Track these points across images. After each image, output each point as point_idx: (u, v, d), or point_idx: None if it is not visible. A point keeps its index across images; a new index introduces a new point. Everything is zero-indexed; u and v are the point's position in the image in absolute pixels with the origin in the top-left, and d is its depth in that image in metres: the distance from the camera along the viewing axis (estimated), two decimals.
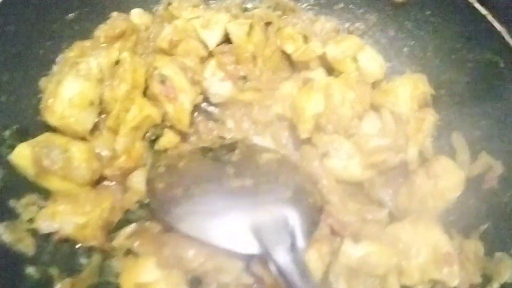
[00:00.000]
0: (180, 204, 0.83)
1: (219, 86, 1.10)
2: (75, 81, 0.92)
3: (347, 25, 1.23)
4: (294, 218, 0.81)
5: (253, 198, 0.83)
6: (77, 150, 0.88)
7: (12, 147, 0.88)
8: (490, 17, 1.02)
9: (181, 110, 0.98)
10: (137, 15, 1.12)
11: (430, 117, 1.06)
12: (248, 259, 0.85)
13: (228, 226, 0.80)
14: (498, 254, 0.88)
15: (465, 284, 0.87)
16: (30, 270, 0.82)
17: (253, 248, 0.79)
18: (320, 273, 0.86)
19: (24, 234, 0.83)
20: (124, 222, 0.93)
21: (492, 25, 1.01)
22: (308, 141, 1.04)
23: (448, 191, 0.98)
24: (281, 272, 0.75)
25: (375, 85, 1.12)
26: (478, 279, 0.88)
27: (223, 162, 0.90)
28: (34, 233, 0.85)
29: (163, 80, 0.97)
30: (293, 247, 0.78)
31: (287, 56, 1.15)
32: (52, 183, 0.88)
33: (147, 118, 0.95)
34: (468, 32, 1.06)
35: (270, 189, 0.86)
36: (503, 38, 1.00)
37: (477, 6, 1.03)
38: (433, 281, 0.90)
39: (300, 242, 0.79)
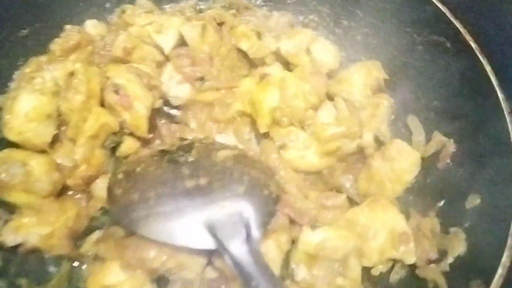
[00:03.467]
0: (137, 209, 0.85)
1: (178, 89, 1.12)
2: (30, 96, 0.94)
3: (301, 18, 1.26)
4: (248, 211, 0.84)
5: (207, 196, 0.86)
6: (36, 163, 0.90)
7: None
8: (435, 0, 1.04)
9: (137, 117, 1.00)
10: (92, 26, 1.14)
11: (385, 102, 1.08)
12: (211, 254, 0.87)
13: (183, 225, 0.83)
14: (453, 229, 0.91)
15: (422, 260, 0.90)
16: None
17: (209, 243, 0.81)
18: (280, 262, 0.88)
19: None
20: (90, 228, 0.94)
21: (437, 7, 1.04)
22: (267, 135, 1.07)
23: (404, 172, 1.01)
24: (237, 264, 0.78)
25: (331, 75, 1.15)
26: (435, 255, 0.90)
27: (180, 164, 0.92)
28: (0, 246, 0.87)
29: (116, 90, 0.99)
30: (249, 238, 0.81)
31: (243, 53, 1.17)
32: (15, 197, 0.90)
33: (105, 126, 0.97)
34: (416, 16, 1.08)
35: (224, 185, 0.88)
36: (448, 19, 1.02)
37: None
38: (392, 260, 0.93)
39: (255, 233, 0.82)
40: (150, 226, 0.83)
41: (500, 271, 0.74)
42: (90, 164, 0.95)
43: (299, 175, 1.03)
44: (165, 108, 1.13)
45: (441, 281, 0.85)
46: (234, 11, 1.24)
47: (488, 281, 0.75)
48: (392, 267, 0.93)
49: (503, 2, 1.07)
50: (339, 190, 1.03)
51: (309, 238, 0.89)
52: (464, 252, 0.86)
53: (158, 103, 1.09)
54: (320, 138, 1.03)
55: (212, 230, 0.81)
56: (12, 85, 1.02)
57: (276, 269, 0.85)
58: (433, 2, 1.04)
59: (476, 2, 1.15)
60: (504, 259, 0.75)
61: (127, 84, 0.98)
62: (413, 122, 1.08)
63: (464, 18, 1.02)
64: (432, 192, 1.00)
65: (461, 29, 1.00)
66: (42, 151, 0.95)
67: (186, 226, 0.82)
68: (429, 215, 0.97)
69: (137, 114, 0.98)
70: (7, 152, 0.92)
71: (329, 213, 0.95)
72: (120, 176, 0.93)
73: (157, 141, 1.08)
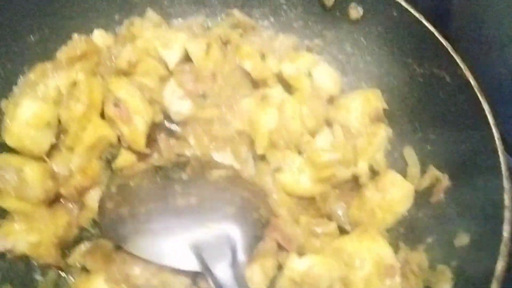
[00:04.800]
0: (125, 224, 0.86)
1: (179, 104, 1.13)
2: (32, 103, 0.95)
3: (306, 41, 1.26)
4: (236, 234, 0.84)
5: (196, 216, 0.86)
6: (31, 170, 0.91)
7: None
8: (436, 33, 1.05)
9: (135, 131, 1.01)
10: (99, 36, 1.15)
11: (382, 132, 1.09)
12: (194, 275, 0.88)
13: (169, 244, 0.83)
14: (440, 267, 0.91)
15: None
16: None
17: (194, 265, 0.81)
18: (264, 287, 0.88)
19: None
20: (80, 239, 0.95)
21: (439, 41, 1.05)
22: (264, 157, 1.08)
23: (396, 204, 1.01)
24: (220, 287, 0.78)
25: (331, 100, 1.15)
26: None
27: (173, 181, 0.93)
28: None
29: (116, 103, 1.00)
30: (234, 262, 0.81)
31: (246, 73, 1.18)
32: (7, 203, 0.91)
33: (103, 138, 0.98)
34: (418, 48, 1.09)
35: (214, 206, 0.88)
36: (449, 54, 1.03)
37: (425, 22, 1.07)
38: None
39: (241, 257, 0.82)
40: (137, 243, 0.83)
41: None
42: (86, 174, 0.96)
43: (292, 199, 1.03)
44: (166, 123, 1.14)
45: None
46: (240, 30, 1.25)
47: None
48: None
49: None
50: (330, 217, 1.03)
51: (296, 265, 0.89)
52: None
53: (159, 117, 1.10)
54: (315, 164, 1.03)
55: (198, 251, 0.82)
56: (16, 90, 1.03)
57: None
58: (435, 35, 1.05)
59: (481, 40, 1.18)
60: None
61: (128, 98, 1.00)
62: (410, 154, 1.09)
63: (465, 53, 1.03)
64: (423, 226, 1.00)
65: (461, 65, 1.01)
66: (39, 158, 0.96)
67: (172, 246, 0.83)
68: (418, 249, 0.96)
69: (135, 128, 1.00)
70: (3, 156, 0.93)
71: (317, 241, 0.95)
72: (113, 189, 0.93)
73: (155, 155, 1.09)
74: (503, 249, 0.79)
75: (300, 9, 1.25)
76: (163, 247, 0.83)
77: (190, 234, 0.84)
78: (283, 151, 1.05)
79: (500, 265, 0.78)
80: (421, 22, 1.07)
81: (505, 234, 0.81)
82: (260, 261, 0.88)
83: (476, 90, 0.98)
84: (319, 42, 1.26)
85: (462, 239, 0.90)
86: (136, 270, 0.84)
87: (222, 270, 0.80)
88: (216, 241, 0.83)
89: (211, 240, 0.83)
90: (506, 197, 0.85)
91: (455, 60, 1.02)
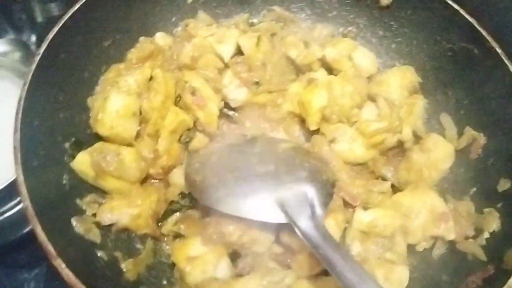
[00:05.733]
0: (218, 190, 0.99)
1: (236, 92, 1.27)
2: (118, 96, 1.09)
3: (341, 29, 1.41)
4: (311, 192, 0.98)
5: (275, 179, 1.00)
6: (127, 153, 1.05)
7: (72, 156, 1.04)
8: (462, 11, 1.19)
9: (210, 115, 1.16)
10: (161, 37, 1.29)
11: (420, 102, 1.23)
12: (278, 231, 1.02)
13: (258, 202, 0.97)
14: (487, 210, 1.04)
15: (460, 236, 1.04)
16: (101, 253, 0.98)
17: (280, 218, 0.95)
18: (338, 238, 1.02)
19: (91, 225, 1.00)
20: (170, 212, 1.09)
21: (465, 17, 1.18)
22: (317, 131, 1.21)
23: (440, 162, 1.15)
24: (305, 236, 0.91)
25: (370, 78, 1.29)
26: (471, 232, 1.04)
27: (248, 154, 1.07)
28: (98, 225, 1.01)
29: (193, 92, 1.15)
30: (313, 215, 0.94)
31: (291, 61, 1.33)
32: (108, 183, 1.05)
33: (182, 123, 1.13)
34: (446, 26, 1.23)
35: (289, 171, 1.02)
36: (475, 28, 1.17)
37: (451, 2, 1.21)
38: (433, 237, 1.06)
39: (319, 211, 0.95)
40: (231, 204, 0.97)
41: None
42: (170, 155, 1.10)
43: (348, 166, 1.17)
44: (225, 110, 1.28)
45: (480, 252, 0.99)
46: (282, 24, 1.40)
47: None
48: (434, 244, 1.07)
49: None
50: (383, 179, 1.17)
51: (362, 218, 1.04)
52: (498, 228, 1.00)
53: (221, 104, 1.24)
54: (365, 133, 1.17)
55: (283, 207, 0.95)
56: (98, 88, 1.18)
57: None
58: (460, 13, 1.19)
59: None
60: None
61: (201, 87, 1.14)
62: (446, 119, 1.22)
63: (489, 27, 1.17)
64: (466, 180, 1.14)
65: (487, 37, 1.15)
66: (128, 144, 1.10)
67: (261, 203, 0.96)
68: (464, 199, 1.10)
69: (209, 113, 1.14)
70: (101, 144, 1.07)
71: (377, 197, 1.09)
72: (197, 165, 1.07)
73: (220, 138, 1.23)
74: None
75: (333, 1, 1.39)
76: (254, 205, 0.96)
77: (274, 193, 0.97)
78: (336, 125, 1.19)
79: None
80: (446, 2, 1.21)
81: None
82: (332, 215, 1.02)
83: (502, 56, 1.12)
84: (353, 29, 1.40)
85: (504, 185, 1.04)
86: (230, 228, 0.98)
87: (304, 222, 0.93)
88: (296, 199, 0.97)
89: (292, 197, 0.97)
90: None
91: (481, 33, 1.15)
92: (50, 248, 0.81)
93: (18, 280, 1.24)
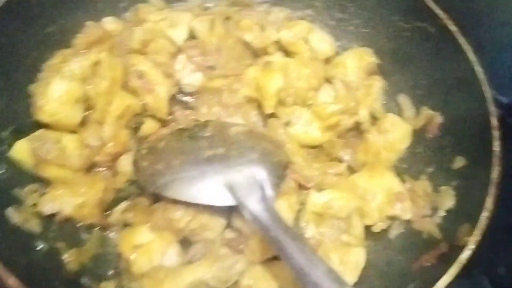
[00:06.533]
0: (163, 175, 0.96)
1: (191, 77, 1.22)
2: (61, 82, 1.04)
3: (298, 13, 1.38)
4: (261, 174, 0.95)
5: (225, 162, 0.97)
6: (69, 140, 1.00)
7: (10, 145, 0.99)
8: None
9: (158, 100, 1.11)
10: (109, 22, 1.24)
11: (377, 83, 1.21)
12: (230, 216, 0.98)
13: (206, 186, 0.94)
14: (443, 188, 1.03)
15: (417, 216, 1.02)
16: (40, 244, 0.93)
17: (229, 201, 0.92)
18: (291, 220, 0.99)
19: (30, 216, 0.95)
20: (117, 200, 1.04)
21: None
22: (273, 115, 1.18)
23: (397, 142, 1.13)
24: (255, 218, 0.88)
25: (328, 61, 1.27)
26: (428, 211, 1.02)
27: (198, 138, 1.04)
28: (39, 215, 0.96)
29: (140, 75, 1.10)
30: (263, 197, 0.91)
31: (247, 45, 1.29)
32: (50, 172, 1.00)
33: (129, 108, 1.08)
34: (401, 6, 1.21)
35: (239, 153, 0.99)
36: (429, 7, 1.15)
37: None
38: (390, 217, 1.04)
39: (269, 192, 0.92)
40: (177, 189, 0.94)
41: (485, 214, 0.86)
42: (116, 142, 1.06)
43: (303, 149, 1.14)
44: (179, 96, 1.23)
45: (435, 230, 0.97)
46: (237, 8, 1.36)
47: (474, 224, 0.86)
48: (391, 224, 1.04)
49: None
50: (339, 161, 1.14)
51: (316, 199, 1.01)
52: (453, 205, 0.98)
53: (174, 90, 1.20)
54: (321, 115, 1.14)
55: (232, 190, 0.92)
56: (41, 75, 1.12)
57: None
58: None
59: None
60: (488, 204, 0.87)
61: (148, 71, 1.10)
62: (403, 100, 1.21)
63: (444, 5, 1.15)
64: (423, 159, 1.12)
65: (441, 15, 1.13)
66: (72, 132, 1.05)
67: (209, 187, 0.93)
68: (421, 178, 1.08)
69: (158, 97, 1.10)
70: (42, 131, 1.02)
71: (333, 179, 1.06)
72: (144, 151, 1.03)
73: (173, 124, 1.19)
74: (495, 160, 0.92)
75: None
76: (202, 189, 0.93)
77: (223, 176, 0.94)
78: (291, 107, 1.16)
79: (495, 173, 0.90)
80: None
81: (495, 148, 0.93)
82: (285, 197, 0.99)
83: (456, 35, 1.10)
84: (310, 12, 1.37)
85: (459, 162, 1.02)
86: (178, 214, 0.94)
87: (255, 204, 0.89)
88: (246, 181, 0.93)
89: (241, 180, 0.93)
90: (492, 119, 0.98)
91: (436, 12, 1.14)
92: None
93: None
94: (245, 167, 0.96)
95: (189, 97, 1.24)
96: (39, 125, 1.04)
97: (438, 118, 1.12)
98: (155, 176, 0.97)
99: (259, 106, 1.21)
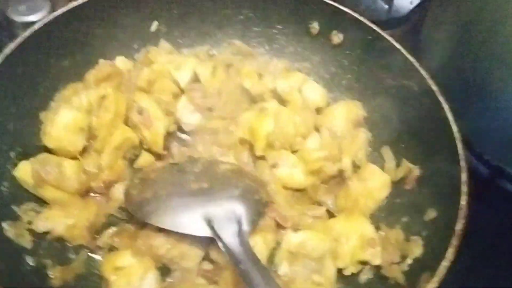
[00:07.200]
0: (149, 203, 1.03)
1: (190, 117, 1.32)
2: (69, 112, 1.14)
3: (296, 65, 1.48)
4: (240, 210, 1.01)
5: (207, 196, 1.04)
6: (68, 165, 1.09)
7: (15, 165, 1.08)
8: (404, 51, 1.27)
9: (155, 134, 1.20)
10: (121, 61, 1.36)
11: (363, 134, 1.28)
12: (207, 247, 1.04)
13: (186, 216, 1.00)
14: (413, 238, 1.07)
15: (387, 262, 1.05)
16: (29, 259, 0.99)
17: (206, 232, 0.98)
18: (265, 256, 1.04)
19: (24, 232, 1.01)
20: (107, 225, 1.11)
21: (406, 57, 1.26)
22: (262, 157, 1.26)
23: (376, 191, 1.18)
24: (228, 251, 0.94)
25: (319, 111, 1.35)
26: (397, 258, 1.06)
27: (187, 172, 1.12)
28: (32, 232, 1.03)
29: (140, 111, 1.20)
30: (239, 232, 0.97)
31: (246, 91, 1.39)
32: (47, 192, 1.07)
33: (127, 140, 1.17)
34: (389, 64, 1.30)
35: (222, 189, 1.06)
36: (415, 67, 1.24)
37: (395, 43, 1.29)
38: (361, 262, 1.08)
39: (245, 227, 0.99)
40: (160, 217, 1.01)
41: (445, 263, 0.90)
42: (113, 170, 1.14)
43: (287, 191, 1.20)
44: (178, 133, 1.32)
45: (400, 277, 1.01)
46: (240, 57, 1.47)
47: (433, 272, 0.90)
48: (361, 269, 1.08)
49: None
50: (320, 205, 1.20)
51: (292, 238, 1.06)
52: (420, 254, 1.02)
53: (172, 127, 1.29)
54: (306, 160, 1.21)
55: (210, 222, 0.99)
56: (53, 104, 1.23)
57: (262, 260, 1.01)
58: (403, 53, 1.26)
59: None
60: (448, 254, 0.91)
61: (149, 107, 1.20)
62: (386, 152, 1.27)
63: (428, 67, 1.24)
64: (400, 209, 1.17)
65: (425, 75, 1.21)
66: (73, 158, 1.14)
67: (189, 218, 1.00)
68: (395, 227, 1.13)
69: (155, 132, 1.19)
70: (45, 155, 1.11)
71: (309, 220, 1.11)
72: (136, 181, 1.11)
73: (169, 159, 1.27)
74: (461, 213, 0.97)
75: (290, 37, 1.47)
76: (182, 219, 1.00)
77: (203, 209, 1.01)
78: (279, 151, 1.23)
79: (459, 226, 0.95)
80: (391, 43, 1.29)
81: (463, 202, 0.98)
82: (261, 234, 1.05)
83: (437, 94, 1.18)
84: (308, 64, 1.47)
85: (431, 214, 1.07)
86: (158, 241, 1.00)
87: (230, 237, 0.96)
88: (224, 215, 1.00)
89: (220, 214, 1.00)
90: (463, 175, 1.03)
91: (420, 72, 1.22)
92: None
93: None
94: (226, 201, 1.03)
95: (187, 135, 1.33)
96: (44, 150, 1.14)
97: (416, 171, 1.18)
98: (142, 203, 1.04)
99: (251, 148, 1.29)
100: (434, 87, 1.19)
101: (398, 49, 1.28)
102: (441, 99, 1.16)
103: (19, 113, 1.14)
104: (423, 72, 1.22)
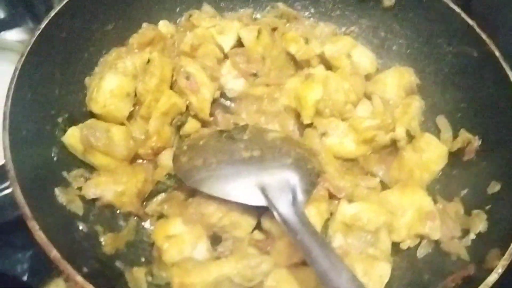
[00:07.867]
0: (201, 171, 1.00)
1: (234, 83, 1.27)
2: (114, 77, 1.11)
3: (343, 29, 1.41)
4: (294, 179, 0.98)
5: (260, 164, 1.01)
6: (117, 131, 1.07)
7: (64, 131, 1.06)
8: (463, 14, 1.19)
9: (202, 100, 1.16)
10: (164, 25, 1.32)
11: (416, 102, 1.22)
12: (259, 217, 1.01)
13: (240, 185, 0.97)
14: (475, 211, 1.02)
15: (446, 237, 1.01)
16: (81, 225, 0.99)
17: (261, 201, 0.95)
18: (319, 227, 1.01)
19: (75, 197, 1.01)
20: (155, 192, 1.10)
21: (465, 21, 1.18)
22: (310, 125, 1.21)
23: (432, 163, 1.13)
24: (284, 221, 0.91)
25: (368, 77, 1.29)
26: (458, 233, 1.01)
27: (236, 140, 1.08)
28: (82, 198, 1.02)
29: (187, 76, 1.16)
30: (294, 202, 0.94)
31: (291, 56, 1.33)
32: (96, 159, 1.06)
33: (174, 106, 1.13)
34: (446, 29, 1.23)
35: (274, 157, 1.02)
36: (475, 32, 1.16)
37: (452, 5, 1.20)
38: (419, 235, 1.04)
39: (300, 197, 0.95)
40: (212, 185, 0.98)
41: None
42: (160, 136, 1.11)
43: (337, 160, 1.16)
44: (221, 100, 1.28)
45: (463, 253, 0.97)
46: (284, 20, 1.41)
47: (504, 250, 0.86)
48: (419, 243, 1.05)
49: None
50: (372, 175, 1.15)
51: (346, 210, 1.02)
52: (485, 229, 0.97)
53: (217, 94, 1.25)
54: (357, 129, 1.16)
55: (264, 191, 0.95)
56: (97, 69, 1.20)
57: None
58: (462, 16, 1.18)
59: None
60: None
61: (196, 73, 1.16)
62: (442, 121, 1.21)
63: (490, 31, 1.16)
64: (457, 182, 1.12)
65: (487, 40, 1.14)
66: (120, 124, 1.12)
67: (242, 186, 0.97)
68: (454, 200, 1.08)
69: (202, 98, 1.15)
70: (93, 121, 1.09)
71: (364, 191, 1.07)
72: (185, 148, 1.09)
73: (214, 126, 1.24)
74: None
75: (338, 0, 1.40)
76: (235, 187, 0.97)
77: (256, 178, 0.98)
78: (329, 119, 1.18)
79: None
80: (448, 5, 1.21)
81: None
82: (315, 204, 1.01)
83: (501, 60, 1.10)
84: (355, 29, 1.41)
85: (494, 187, 1.02)
86: (210, 209, 0.98)
87: (285, 207, 0.92)
88: (278, 184, 0.97)
89: (274, 183, 0.97)
90: None
91: (481, 37, 1.15)
92: (26, 209, 0.82)
93: (12, 260, 1.25)
94: (279, 170, 1.00)
95: (230, 102, 1.29)
96: (91, 115, 1.12)
97: (476, 142, 1.12)
98: (193, 171, 1.02)
99: (297, 116, 1.24)
100: (497, 53, 1.11)
101: (457, 12, 1.19)
102: (505, 66, 1.09)
103: (64, 79, 1.11)
104: (484, 36, 1.15)
